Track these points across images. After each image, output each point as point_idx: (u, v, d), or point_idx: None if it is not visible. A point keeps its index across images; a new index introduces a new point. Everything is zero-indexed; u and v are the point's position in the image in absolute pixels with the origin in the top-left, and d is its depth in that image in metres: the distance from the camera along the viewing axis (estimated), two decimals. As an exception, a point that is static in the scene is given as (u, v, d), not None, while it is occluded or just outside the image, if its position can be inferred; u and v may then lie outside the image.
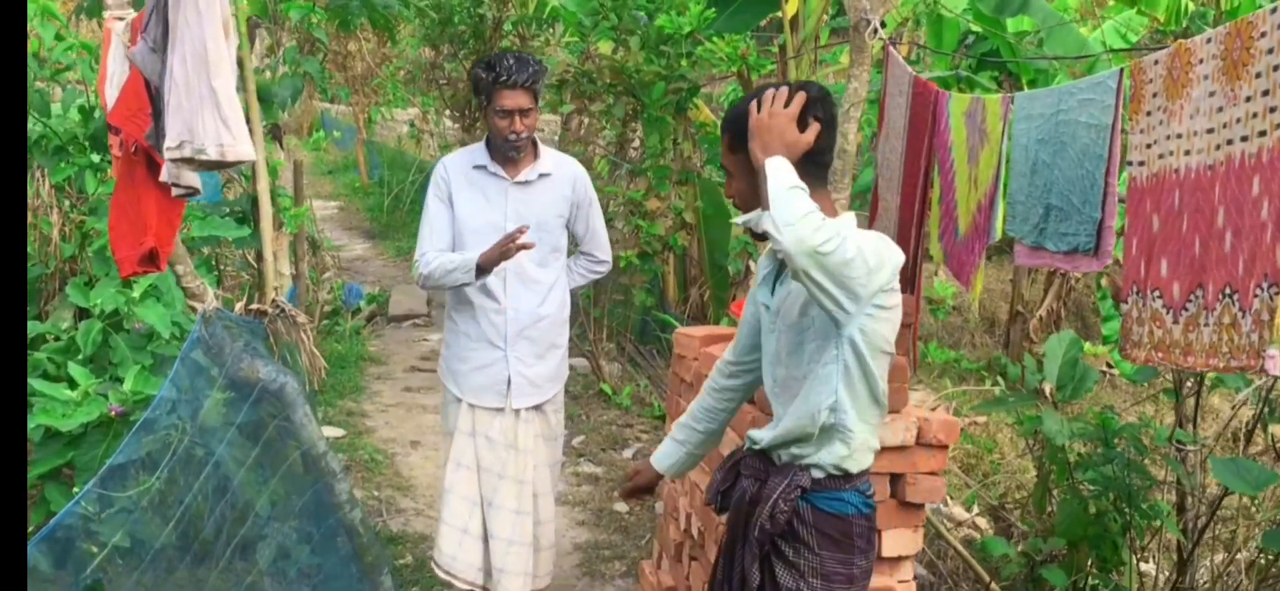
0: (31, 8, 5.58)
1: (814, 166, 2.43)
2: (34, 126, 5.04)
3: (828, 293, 2.22)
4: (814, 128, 2.37)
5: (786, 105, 2.35)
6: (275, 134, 8.76)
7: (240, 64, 5.78)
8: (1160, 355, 2.47)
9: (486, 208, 3.79)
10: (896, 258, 2.36)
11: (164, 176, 2.64)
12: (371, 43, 16.53)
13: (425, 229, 3.84)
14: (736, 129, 2.46)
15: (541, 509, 3.90)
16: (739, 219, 2.47)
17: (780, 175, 2.21)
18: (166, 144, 2.34)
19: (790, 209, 2.16)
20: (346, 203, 16.23)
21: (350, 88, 18.16)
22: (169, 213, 2.95)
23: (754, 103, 2.39)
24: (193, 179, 2.68)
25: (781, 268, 2.58)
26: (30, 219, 4.46)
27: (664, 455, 2.90)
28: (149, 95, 2.83)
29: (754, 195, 2.43)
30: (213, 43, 2.31)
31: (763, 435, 2.56)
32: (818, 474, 2.46)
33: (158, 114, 2.68)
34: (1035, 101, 3.08)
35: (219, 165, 2.22)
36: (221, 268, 7.92)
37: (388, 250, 12.56)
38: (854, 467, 2.48)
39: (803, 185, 2.22)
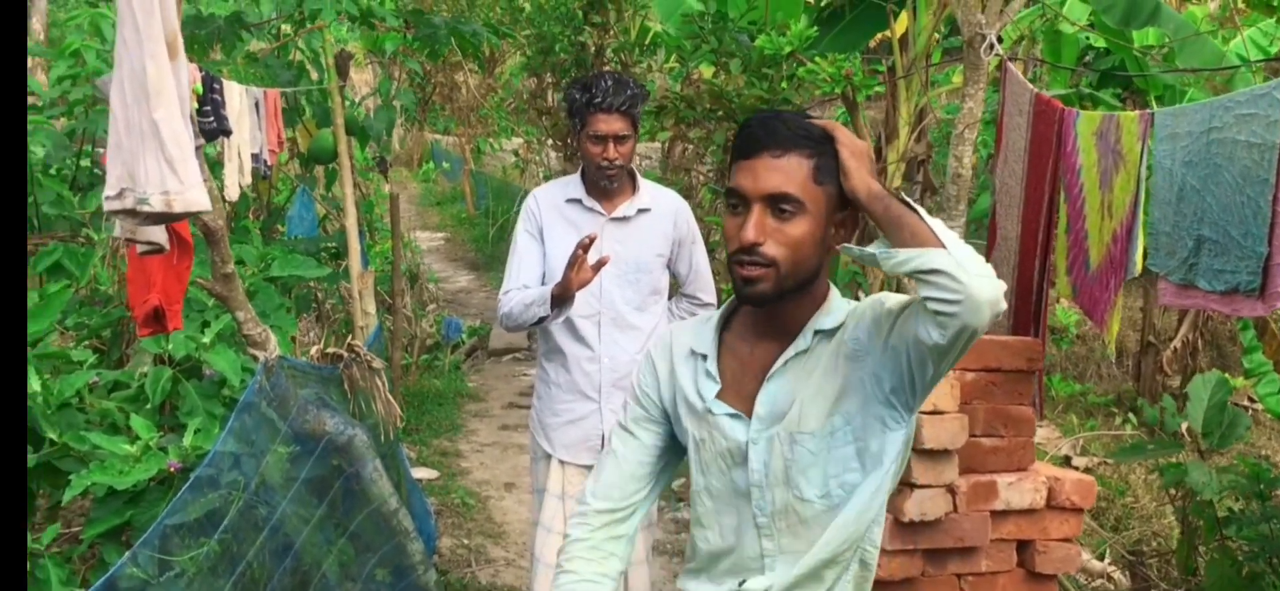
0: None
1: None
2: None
3: (943, 368, 1.76)
4: None
5: None
6: (381, 166, 8.73)
7: (327, 97, 5.68)
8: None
9: None
10: None
11: (117, 232, 2.38)
12: (477, 74, 16.63)
13: (512, 264, 3.54)
14: (820, 151, 1.82)
15: (634, 579, 3.59)
16: (876, 251, 1.75)
17: (926, 214, 1.73)
18: (105, 193, 2.02)
19: (970, 251, 1.69)
20: (453, 233, 16.27)
21: (457, 119, 18.29)
22: (175, 267, 2.72)
23: (804, 119, 1.88)
24: (156, 234, 2.38)
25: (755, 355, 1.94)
26: (111, 260, 4.36)
27: None
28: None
29: (821, 248, 1.86)
30: (153, 65, 2.01)
31: (767, 582, 1.92)
32: None
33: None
34: (1181, 118, 2.70)
35: (164, 217, 1.88)
36: (322, 304, 7.89)
37: (491, 282, 12.47)
38: None
39: None
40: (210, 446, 3.04)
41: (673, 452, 2.09)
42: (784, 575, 1.89)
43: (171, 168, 1.97)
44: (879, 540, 1.91)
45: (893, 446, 1.85)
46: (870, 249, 1.75)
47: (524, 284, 3.50)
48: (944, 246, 1.65)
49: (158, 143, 1.95)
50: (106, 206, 1.97)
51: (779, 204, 1.80)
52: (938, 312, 1.64)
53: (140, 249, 2.45)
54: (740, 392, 1.91)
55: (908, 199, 1.73)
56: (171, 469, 2.99)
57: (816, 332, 1.88)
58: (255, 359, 3.08)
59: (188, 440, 3.06)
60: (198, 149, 2.21)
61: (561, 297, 3.28)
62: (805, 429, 1.85)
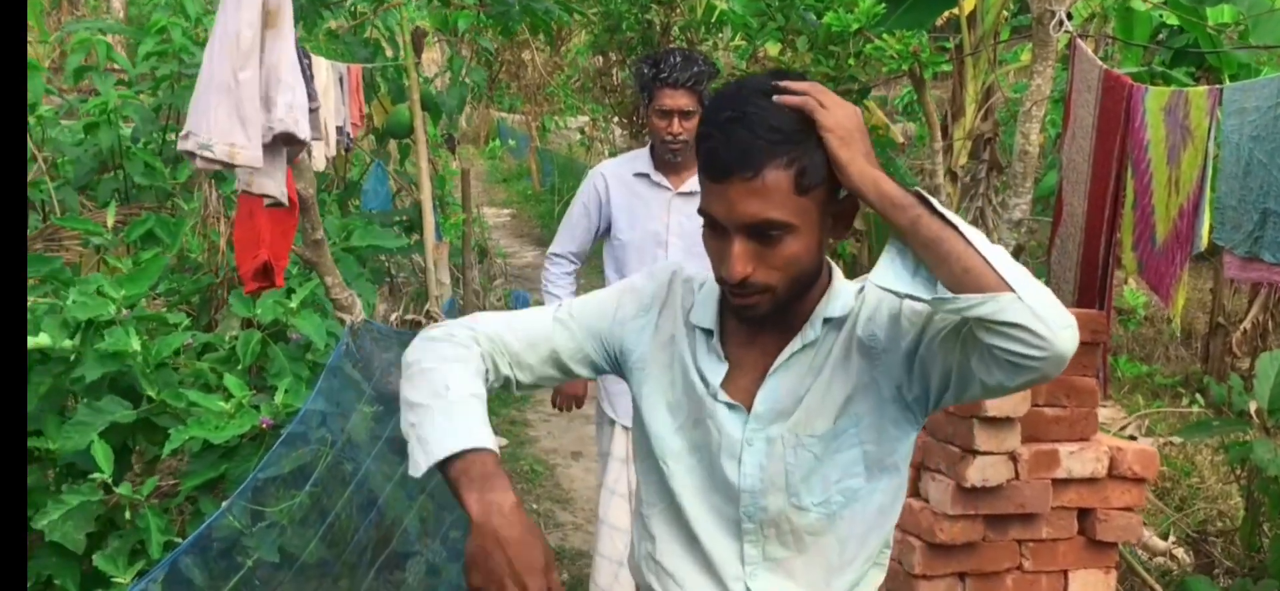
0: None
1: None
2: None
3: (993, 397, 1.58)
4: None
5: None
6: (449, 143, 8.88)
7: (406, 73, 5.83)
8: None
9: (646, 218, 3.62)
10: None
11: (238, 184, 2.53)
12: (544, 52, 16.79)
13: (564, 231, 3.74)
14: (800, 151, 1.49)
15: None
16: (923, 294, 1.47)
17: (966, 226, 1.43)
18: (183, 131, 2.17)
19: (1042, 289, 1.39)
20: (519, 210, 16.48)
21: (524, 97, 18.48)
22: (283, 225, 2.87)
23: (770, 99, 1.51)
24: (273, 187, 2.52)
25: (755, 337, 1.67)
26: (201, 229, 4.54)
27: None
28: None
29: (819, 251, 1.58)
30: (248, 31, 2.14)
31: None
32: None
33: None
34: (1249, 93, 2.74)
35: (227, 166, 2.00)
36: (394, 276, 8.09)
37: (557, 258, 12.64)
38: None
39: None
40: (299, 405, 3.19)
41: (574, 373, 1.77)
42: (770, 585, 1.67)
43: (242, 125, 2.11)
44: (891, 542, 1.73)
45: (905, 450, 1.65)
46: (901, 281, 1.47)
47: (570, 250, 3.72)
48: (1009, 284, 1.37)
49: (235, 100, 2.09)
50: (179, 146, 2.13)
51: (763, 231, 1.51)
52: (1010, 363, 1.40)
53: (266, 202, 2.62)
54: (737, 382, 1.67)
55: (934, 202, 1.44)
56: (264, 425, 3.15)
57: (826, 321, 1.64)
58: (342, 322, 3.23)
59: (279, 398, 3.21)
60: (314, 111, 2.37)
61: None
62: (812, 432, 1.62)
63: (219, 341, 3.88)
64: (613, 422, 3.67)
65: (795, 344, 1.64)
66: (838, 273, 1.69)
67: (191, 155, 2.41)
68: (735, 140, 1.48)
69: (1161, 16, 8.58)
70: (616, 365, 1.78)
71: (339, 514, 3.04)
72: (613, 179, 3.67)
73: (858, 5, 6.24)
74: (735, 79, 1.64)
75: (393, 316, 3.82)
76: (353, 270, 4.64)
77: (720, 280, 1.58)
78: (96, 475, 3.03)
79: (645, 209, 3.61)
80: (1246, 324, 7.86)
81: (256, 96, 2.38)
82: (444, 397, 1.53)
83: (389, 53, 6.68)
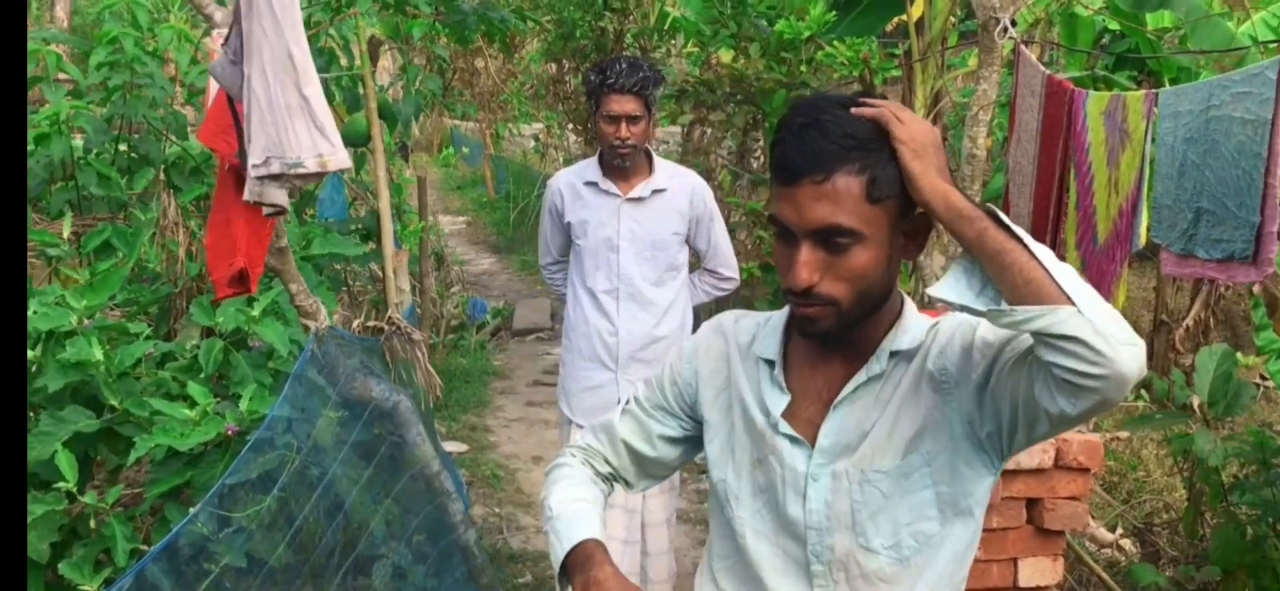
0: (167, 33, 5.75)
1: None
2: (171, 149, 5.18)
3: (1063, 431, 1.50)
4: None
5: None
6: (403, 152, 8.87)
7: (363, 82, 5.86)
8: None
9: (598, 225, 3.71)
10: None
11: (246, 195, 2.58)
12: (497, 60, 16.79)
13: (541, 243, 4.00)
14: (872, 159, 1.49)
15: (651, 540, 3.77)
16: (980, 305, 1.42)
17: (1033, 242, 1.41)
18: (252, 162, 2.26)
19: (1107, 307, 1.35)
20: (474, 217, 16.49)
21: (478, 104, 18.46)
22: (259, 232, 2.94)
23: (847, 110, 1.52)
24: (278, 196, 2.61)
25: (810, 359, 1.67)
26: (160, 238, 4.55)
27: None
28: (232, 111, 2.79)
29: (889, 268, 1.56)
30: (297, 49, 2.23)
31: None
32: None
33: (239, 129, 2.65)
34: (1182, 97, 2.86)
35: (318, 176, 2.12)
36: (350, 284, 8.09)
37: (513, 264, 12.69)
38: None
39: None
40: (263, 411, 3.23)
41: (674, 457, 1.85)
42: None
43: (323, 133, 2.20)
44: None
45: (981, 494, 1.59)
46: (960, 295, 1.43)
47: (555, 258, 3.94)
48: (1071, 299, 1.33)
49: (308, 114, 2.18)
50: (253, 174, 2.21)
51: (831, 237, 1.49)
52: (1069, 383, 1.34)
53: (266, 211, 2.71)
54: (800, 415, 1.64)
55: (1004, 217, 1.41)
56: (230, 432, 3.18)
57: (893, 354, 1.60)
58: (307, 329, 3.27)
59: (244, 405, 3.24)
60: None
61: None
62: (878, 467, 1.58)
63: (180, 350, 3.90)
64: (570, 422, 3.76)
65: (860, 376, 1.61)
66: (910, 305, 1.64)
67: (276, 178, 2.52)
68: (808, 143, 1.48)
69: (1104, 22, 8.79)
70: (701, 427, 1.80)
71: (306, 518, 3.08)
72: (566, 189, 3.78)
73: (809, 13, 6.35)
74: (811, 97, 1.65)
75: (355, 323, 3.86)
76: (311, 279, 4.67)
77: (787, 291, 1.55)
78: (61, 484, 3.05)
79: (596, 216, 3.70)
80: (1188, 321, 8.06)
81: (326, 105, 2.52)
82: (551, 521, 1.74)
83: (344, 62, 6.69)
